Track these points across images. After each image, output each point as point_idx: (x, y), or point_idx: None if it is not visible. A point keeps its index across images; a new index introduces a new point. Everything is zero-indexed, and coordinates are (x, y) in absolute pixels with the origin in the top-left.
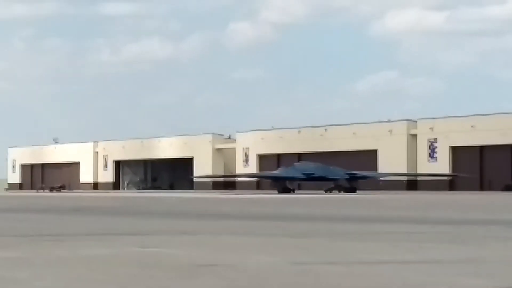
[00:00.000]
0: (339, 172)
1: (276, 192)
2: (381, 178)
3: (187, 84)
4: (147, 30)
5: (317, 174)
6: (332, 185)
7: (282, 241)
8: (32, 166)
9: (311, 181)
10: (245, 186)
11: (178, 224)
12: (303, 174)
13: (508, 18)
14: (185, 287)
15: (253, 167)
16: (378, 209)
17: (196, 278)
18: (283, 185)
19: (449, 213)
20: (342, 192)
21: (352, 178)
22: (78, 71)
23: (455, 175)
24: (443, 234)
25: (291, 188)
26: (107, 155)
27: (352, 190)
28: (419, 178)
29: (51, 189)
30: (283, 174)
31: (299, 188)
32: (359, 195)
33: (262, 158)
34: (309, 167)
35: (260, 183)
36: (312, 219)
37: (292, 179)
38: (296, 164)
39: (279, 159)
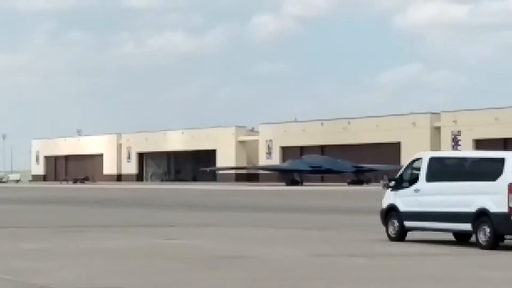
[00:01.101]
0: (346, 165)
1: (284, 184)
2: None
3: (210, 78)
4: (171, 24)
5: (324, 167)
6: (355, 178)
7: (304, 234)
8: (56, 158)
9: (318, 173)
10: (268, 178)
11: (201, 216)
12: (310, 167)
13: None
14: (209, 279)
15: (276, 159)
16: None
17: (219, 270)
18: (291, 177)
19: None
20: (365, 184)
21: (359, 171)
22: (101, 64)
23: None
24: None
25: (299, 181)
26: (130, 147)
27: (359, 182)
28: None
29: (75, 181)
30: (291, 167)
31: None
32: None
33: (285, 150)
34: (316, 160)
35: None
36: (335, 211)
37: (299, 171)
38: (304, 157)
39: (302, 151)
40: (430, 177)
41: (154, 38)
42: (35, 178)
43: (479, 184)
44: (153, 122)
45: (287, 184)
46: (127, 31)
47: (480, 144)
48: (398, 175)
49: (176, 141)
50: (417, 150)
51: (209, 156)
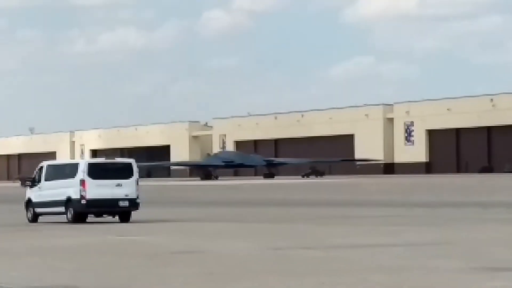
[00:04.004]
0: (257, 159)
1: (199, 179)
2: (290, 163)
3: (163, 73)
4: (121, 20)
5: (237, 161)
6: (309, 171)
7: (259, 227)
8: (8, 156)
9: (231, 168)
10: (222, 173)
11: (154, 212)
12: (224, 162)
13: (480, 2)
14: (164, 275)
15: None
16: (354, 193)
17: (174, 265)
18: (205, 172)
19: (425, 196)
20: (318, 176)
21: (270, 165)
22: (53, 61)
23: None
24: (419, 217)
25: (214, 175)
26: (83, 144)
27: (271, 175)
28: (396, 161)
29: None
30: (205, 162)
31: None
32: (336, 180)
33: (239, 144)
34: (229, 155)
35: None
36: (289, 204)
37: (214, 166)
38: (218, 153)
39: (256, 145)
40: (46, 178)
41: (105, 34)
42: None
43: (68, 181)
44: (106, 119)
45: (202, 179)
46: (77, 28)
47: (433, 134)
48: (33, 177)
49: (130, 137)
50: (370, 142)
51: (163, 152)
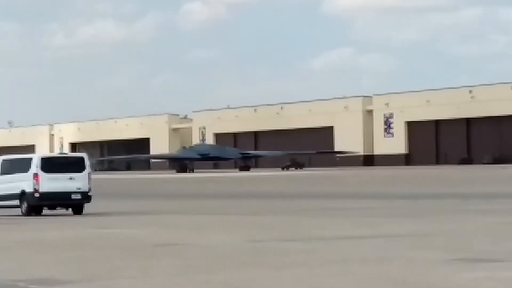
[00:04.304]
0: (233, 152)
1: (175, 171)
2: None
3: (143, 66)
4: (101, 13)
5: (212, 154)
6: (289, 163)
7: (240, 220)
8: None
9: (206, 161)
10: (201, 166)
11: (135, 204)
12: (199, 154)
13: None
14: (145, 267)
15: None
16: (334, 185)
17: (155, 258)
18: (181, 165)
19: (405, 188)
20: (298, 168)
21: (246, 157)
22: (32, 54)
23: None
24: (399, 208)
25: (190, 168)
26: (62, 137)
27: (247, 168)
28: (375, 153)
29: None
30: (181, 155)
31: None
32: (315, 172)
33: (219, 137)
34: (205, 148)
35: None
36: (269, 196)
37: (189, 159)
38: (194, 145)
39: (235, 137)
40: (2, 172)
41: (84, 27)
42: None
43: (22, 175)
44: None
45: (177, 172)
46: (57, 21)
47: (412, 126)
48: None
49: (109, 130)
50: (350, 134)
51: (142, 144)
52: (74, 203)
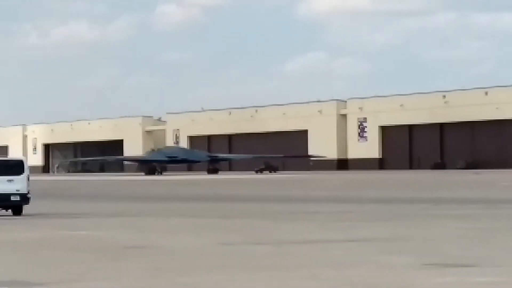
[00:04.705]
0: (201, 154)
1: (143, 174)
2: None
3: (116, 67)
4: (74, 13)
5: (180, 157)
6: (263, 166)
7: (212, 222)
8: None
9: (175, 163)
10: (174, 168)
11: (106, 206)
12: (167, 157)
13: None
14: (114, 269)
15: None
16: (307, 189)
17: (124, 260)
18: (149, 167)
19: (378, 192)
20: (272, 172)
21: (214, 160)
22: (4, 54)
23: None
24: (371, 213)
25: (158, 170)
26: (36, 138)
27: (215, 171)
28: (349, 157)
29: None
30: (149, 157)
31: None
32: (288, 176)
33: (193, 139)
34: (173, 150)
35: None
36: (240, 200)
37: (157, 161)
38: (163, 148)
39: (209, 140)
40: None
41: (57, 28)
42: None
43: (14, 177)
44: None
45: (146, 174)
46: (29, 21)
47: (386, 130)
48: None
49: (83, 131)
50: (324, 138)
51: (116, 146)
52: (14, 204)
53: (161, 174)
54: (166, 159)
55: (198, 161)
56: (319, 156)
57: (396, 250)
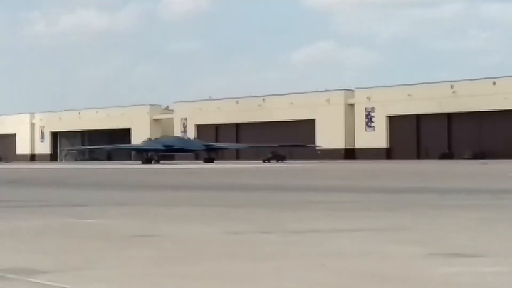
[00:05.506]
0: (197, 144)
1: (140, 162)
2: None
3: (124, 56)
4: (83, 2)
5: (177, 146)
6: (270, 155)
7: (218, 211)
8: None
9: (171, 152)
10: (185, 157)
11: (114, 195)
12: (164, 146)
13: None
14: (120, 258)
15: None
16: (314, 178)
17: (132, 249)
18: (146, 156)
19: (384, 182)
20: (280, 161)
21: (210, 149)
22: (13, 43)
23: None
24: (377, 202)
25: (155, 159)
26: (43, 126)
27: (211, 160)
28: (356, 146)
29: None
30: (145, 146)
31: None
32: (294, 165)
33: (200, 128)
34: (169, 139)
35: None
36: (247, 189)
37: (153, 150)
38: (159, 137)
39: (217, 129)
40: None
41: (66, 16)
42: None
43: None
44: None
45: (143, 163)
46: (38, 10)
47: (393, 120)
48: None
49: (91, 120)
50: (331, 127)
51: (124, 134)
52: None
53: (158, 162)
54: (162, 148)
55: (194, 150)
56: (317, 146)
57: (402, 239)
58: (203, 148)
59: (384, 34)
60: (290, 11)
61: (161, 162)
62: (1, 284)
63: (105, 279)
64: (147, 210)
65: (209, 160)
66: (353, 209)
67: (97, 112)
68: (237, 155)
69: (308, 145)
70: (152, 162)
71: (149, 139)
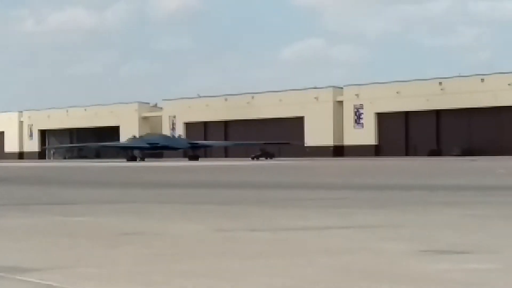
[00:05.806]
0: (182, 142)
1: (125, 160)
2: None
3: (113, 54)
4: (71, 0)
5: (161, 143)
6: (259, 153)
7: (207, 209)
8: None
9: (155, 150)
10: (174, 154)
11: (102, 193)
12: (148, 144)
13: None
14: (110, 256)
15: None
16: (303, 175)
17: (121, 247)
18: (130, 154)
19: (374, 179)
20: (268, 158)
21: (194, 147)
22: (1, 41)
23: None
24: (366, 199)
25: (139, 157)
26: (32, 124)
27: (195, 158)
28: (345, 143)
29: None
30: (130, 144)
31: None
32: (283, 162)
33: (189, 126)
34: (154, 137)
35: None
36: (237, 186)
37: (138, 148)
38: (144, 135)
39: (206, 127)
40: None
41: (55, 14)
42: None
43: None
44: (55, 99)
45: (127, 160)
46: (27, 8)
47: (382, 117)
48: None
49: (79, 118)
50: (320, 124)
51: (112, 132)
52: None
53: (143, 160)
54: (147, 145)
55: (179, 148)
56: (300, 143)
57: (392, 236)
58: (188, 146)
59: (374, 31)
60: (279, 8)
61: (146, 160)
62: None
63: (95, 276)
64: (138, 208)
65: (194, 157)
66: (343, 206)
67: (85, 110)
68: (226, 153)
69: (293, 143)
70: (137, 160)
71: (134, 137)
